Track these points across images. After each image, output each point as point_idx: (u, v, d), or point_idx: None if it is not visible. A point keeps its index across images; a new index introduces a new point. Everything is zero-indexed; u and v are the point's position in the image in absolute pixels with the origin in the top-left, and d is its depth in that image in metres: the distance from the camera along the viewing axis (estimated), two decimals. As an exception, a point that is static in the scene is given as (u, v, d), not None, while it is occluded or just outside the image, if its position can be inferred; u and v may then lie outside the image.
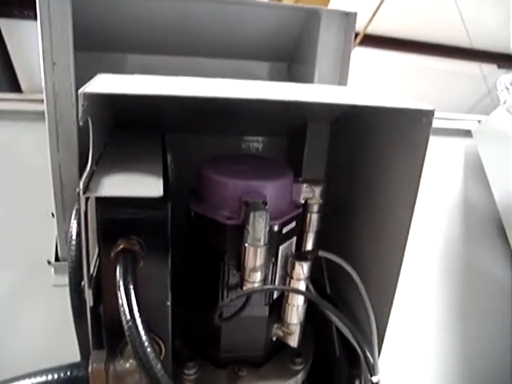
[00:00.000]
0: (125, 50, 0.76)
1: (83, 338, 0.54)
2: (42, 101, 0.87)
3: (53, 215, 0.71)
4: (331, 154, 0.76)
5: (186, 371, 0.59)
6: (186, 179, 0.61)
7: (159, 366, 0.40)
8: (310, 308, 0.62)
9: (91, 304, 0.49)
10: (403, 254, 0.53)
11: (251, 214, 0.49)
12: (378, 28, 3.06)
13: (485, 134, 1.10)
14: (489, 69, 3.45)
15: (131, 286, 0.42)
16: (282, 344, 0.63)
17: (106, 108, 0.59)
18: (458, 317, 0.97)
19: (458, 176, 1.10)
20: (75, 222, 0.55)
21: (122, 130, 0.67)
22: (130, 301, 0.41)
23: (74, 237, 0.54)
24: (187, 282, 0.61)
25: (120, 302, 0.42)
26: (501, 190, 1.04)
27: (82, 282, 0.50)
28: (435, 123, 0.49)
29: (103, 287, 0.50)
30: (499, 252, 1.03)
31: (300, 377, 0.63)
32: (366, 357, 0.59)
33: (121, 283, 0.43)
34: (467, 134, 1.14)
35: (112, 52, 0.75)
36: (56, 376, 0.48)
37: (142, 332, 0.40)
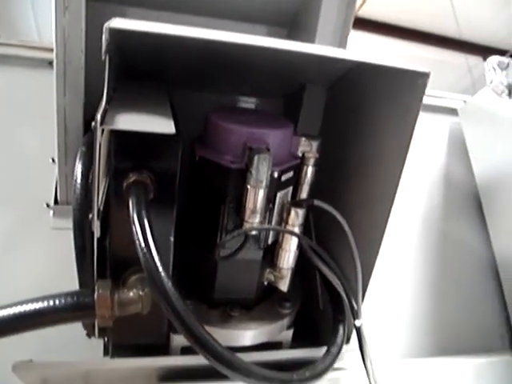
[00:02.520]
0: (129, 4, 0.77)
1: (84, 275, 0.56)
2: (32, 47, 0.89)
3: (53, 161, 0.73)
4: (325, 118, 0.80)
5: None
6: (184, 131, 0.63)
7: (173, 289, 0.43)
8: (298, 261, 0.65)
9: (98, 235, 0.51)
10: (391, 205, 0.56)
11: (256, 157, 0.52)
12: (366, 12, 3.08)
13: (470, 113, 1.15)
14: (474, 61, 3.52)
15: (144, 215, 0.45)
16: (272, 289, 0.67)
17: (114, 55, 0.60)
18: (434, 283, 1.03)
19: (442, 152, 1.15)
20: (80, 163, 0.56)
21: (128, 80, 0.69)
22: (144, 228, 0.44)
23: (78, 177, 0.55)
24: (185, 225, 0.64)
25: (134, 229, 0.44)
26: (481, 167, 1.09)
27: (89, 215, 0.51)
28: (423, 99, 0.52)
29: (111, 219, 0.53)
30: (476, 225, 1.09)
31: (287, 320, 0.67)
32: (350, 302, 0.63)
33: (134, 213, 0.45)
34: (453, 112, 1.19)
35: (117, 4, 0.76)
36: (63, 301, 0.50)
37: (157, 257, 0.43)
